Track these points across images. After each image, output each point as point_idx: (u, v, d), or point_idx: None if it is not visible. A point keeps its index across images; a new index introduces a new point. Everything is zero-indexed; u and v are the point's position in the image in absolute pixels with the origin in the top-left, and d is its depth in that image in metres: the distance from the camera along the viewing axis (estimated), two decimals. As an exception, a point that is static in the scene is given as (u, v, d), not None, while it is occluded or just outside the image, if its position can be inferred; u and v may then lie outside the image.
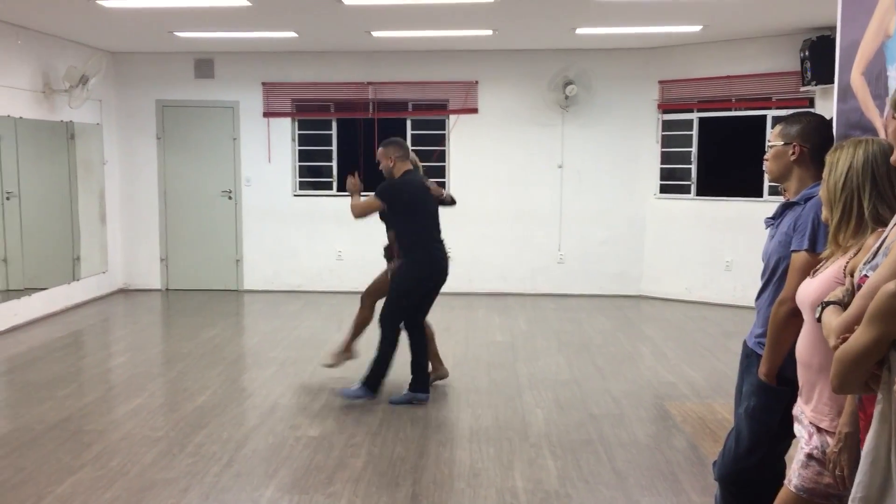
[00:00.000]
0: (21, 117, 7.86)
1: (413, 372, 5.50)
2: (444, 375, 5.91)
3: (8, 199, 7.79)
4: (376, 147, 5.65)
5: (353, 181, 5.52)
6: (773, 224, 2.87)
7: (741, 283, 8.67)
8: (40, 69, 8.18)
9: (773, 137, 2.85)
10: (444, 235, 5.63)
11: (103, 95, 9.37)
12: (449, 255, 5.62)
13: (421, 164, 5.89)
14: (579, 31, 8.05)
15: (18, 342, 7.30)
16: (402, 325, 5.49)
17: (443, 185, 9.57)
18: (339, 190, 9.62)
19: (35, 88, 8.10)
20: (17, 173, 7.92)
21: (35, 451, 4.57)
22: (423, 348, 5.56)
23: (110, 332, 8.15)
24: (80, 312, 8.67)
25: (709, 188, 9.18)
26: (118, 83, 9.71)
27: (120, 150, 9.82)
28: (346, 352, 5.95)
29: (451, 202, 5.89)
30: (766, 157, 2.88)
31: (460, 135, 9.61)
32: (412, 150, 5.85)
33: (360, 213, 5.45)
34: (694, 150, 9.12)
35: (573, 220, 9.62)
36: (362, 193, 5.55)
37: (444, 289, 9.11)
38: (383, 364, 5.43)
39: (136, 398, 5.58)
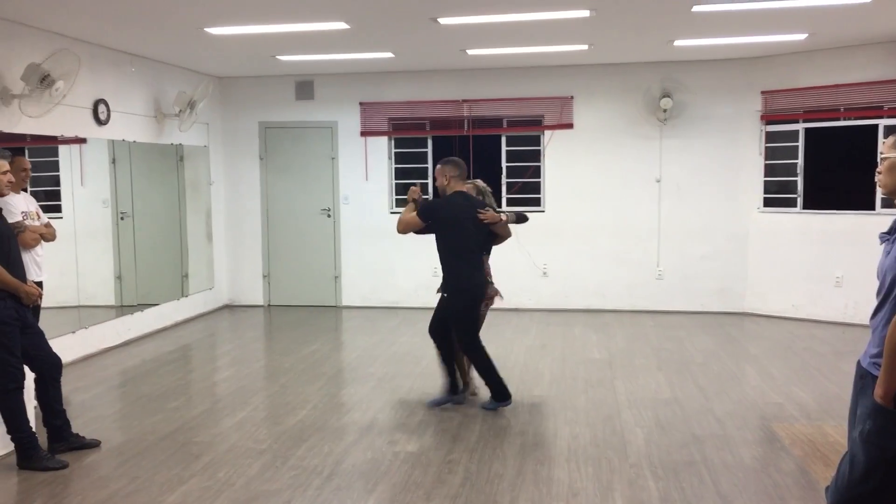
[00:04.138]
0: (135, 141, 8.26)
1: (449, 376, 5.82)
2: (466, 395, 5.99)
3: (122, 219, 8.21)
4: (471, 163, 5.74)
5: (414, 189, 5.72)
6: (888, 239, 2.75)
7: (853, 299, 8.30)
8: (152, 95, 8.59)
9: (887, 149, 2.74)
10: (492, 258, 5.92)
11: (210, 118, 9.77)
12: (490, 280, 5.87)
13: (489, 191, 6.02)
14: (677, 42, 7.91)
15: (132, 355, 7.66)
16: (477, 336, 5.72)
17: (537, 201, 9.55)
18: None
19: (147, 113, 8.51)
20: (130, 194, 8.33)
21: (147, 461, 4.77)
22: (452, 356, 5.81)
23: (216, 347, 8.44)
24: (188, 327, 9.03)
25: (816, 201, 8.81)
26: (224, 106, 10.11)
27: (225, 170, 10.21)
28: (468, 388, 6.07)
29: (519, 220, 5.92)
30: (878, 169, 2.77)
31: (555, 150, 9.56)
32: (483, 178, 6.16)
33: (402, 228, 5.68)
34: (800, 161, 8.79)
35: (672, 235, 9.41)
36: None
37: (540, 305, 9.12)
38: (489, 374, 5.63)
39: (240, 411, 5.76)
